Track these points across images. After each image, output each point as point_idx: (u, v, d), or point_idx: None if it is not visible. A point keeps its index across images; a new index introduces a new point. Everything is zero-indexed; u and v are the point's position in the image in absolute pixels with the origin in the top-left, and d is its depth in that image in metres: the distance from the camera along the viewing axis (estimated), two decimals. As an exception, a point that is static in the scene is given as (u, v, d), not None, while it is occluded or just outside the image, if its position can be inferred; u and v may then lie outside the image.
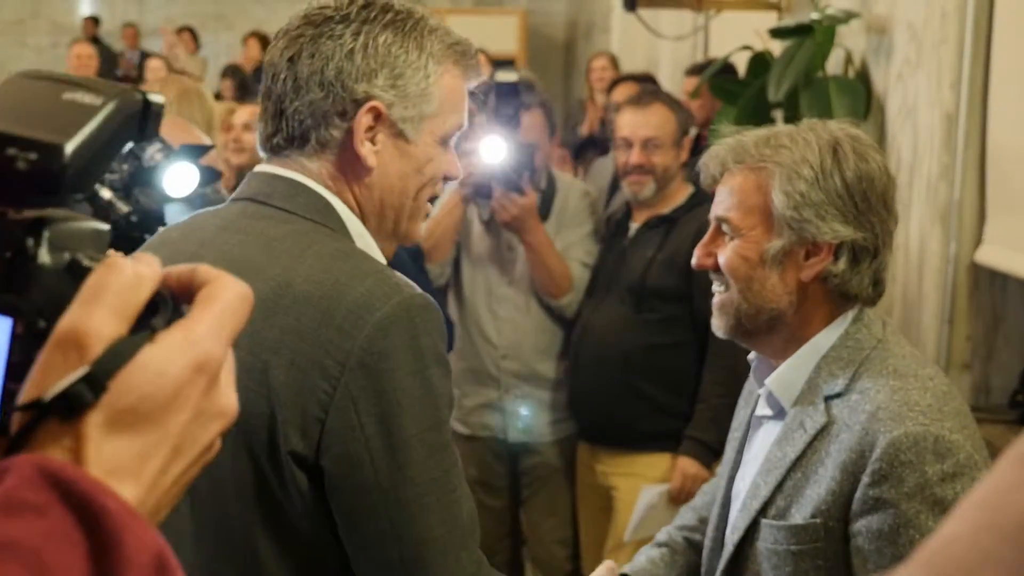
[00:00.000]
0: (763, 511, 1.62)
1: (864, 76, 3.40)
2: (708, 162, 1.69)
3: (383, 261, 1.46)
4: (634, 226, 3.35)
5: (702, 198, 3.34)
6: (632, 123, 3.28)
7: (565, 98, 10.35)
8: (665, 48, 6.41)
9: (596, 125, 6.24)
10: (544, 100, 3.64)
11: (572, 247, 3.42)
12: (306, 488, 1.34)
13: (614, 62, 6.65)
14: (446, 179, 1.53)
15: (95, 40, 10.53)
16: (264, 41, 10.16)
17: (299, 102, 1.42)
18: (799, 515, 1.58)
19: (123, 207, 0.99)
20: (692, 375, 3.20)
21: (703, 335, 3.18)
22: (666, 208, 3.31)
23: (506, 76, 3.36)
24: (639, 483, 3.21)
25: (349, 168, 1.44)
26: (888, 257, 1.67)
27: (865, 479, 1.51)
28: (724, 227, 1.66)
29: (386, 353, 1.31)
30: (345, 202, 1.45)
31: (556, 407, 3.45)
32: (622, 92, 5.04)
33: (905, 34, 3.12)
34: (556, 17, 11.39)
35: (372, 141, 1.43)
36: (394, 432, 1.31)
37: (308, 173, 1.44)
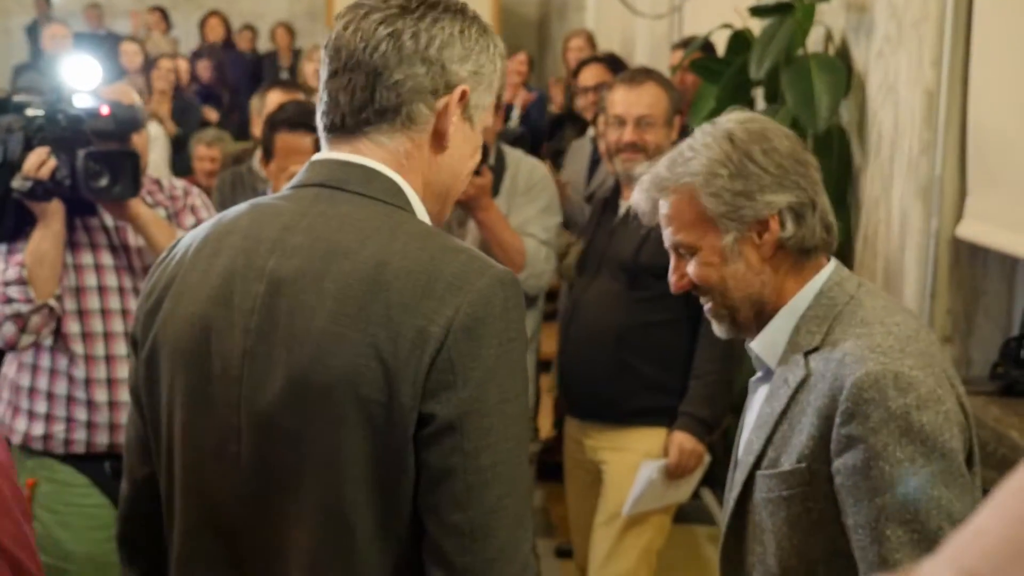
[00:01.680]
0: (757, 464, 1.73)
1: (845, 54, 3.43)
2: (640, 206, 1.84)
3: None
4: (624, 204, 3.36)
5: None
6: (625, 101, 3.30)
7: (538, 77, 10.34)
8: (642, 26, 6.42)
9: (565, 102, 6.21)
10: None
11: (528, 223, 3.43)
12: (412, 461, 1.38)
13: (591, 41, 6.63)
14: None
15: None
16: (225, 22, 10.06)
17: (400, 75, 1.46)
18: (787, 463, 1.68)
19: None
20: (685, 352, 3.22)
21: (696, 312, 3.19)
22: (657, 186, 3.32)
23: None
24: (629, 457, 3.23)
25: (428, 147, 1.50)
26: (825, 199, 1.77)
27: (837, 420, 1.61)
28: (682, 251, 1.80)
29: (484, 319, 1.37)
30: (412, 184, 1.50)
31: None
32: (590, 74, 5.03)
33: (885, 12, 3.15)
34: (529, -5, 11.36)
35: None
36: (483, 398, 1.37)
37: (381, 154, 1.48)
